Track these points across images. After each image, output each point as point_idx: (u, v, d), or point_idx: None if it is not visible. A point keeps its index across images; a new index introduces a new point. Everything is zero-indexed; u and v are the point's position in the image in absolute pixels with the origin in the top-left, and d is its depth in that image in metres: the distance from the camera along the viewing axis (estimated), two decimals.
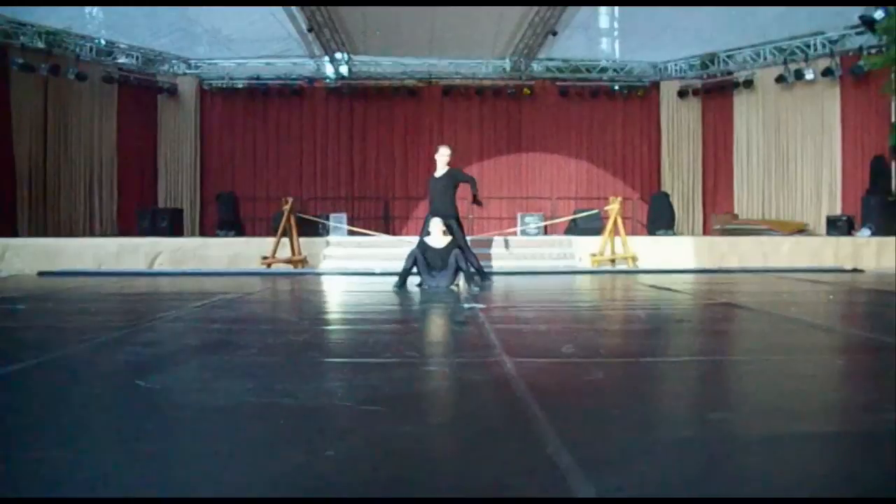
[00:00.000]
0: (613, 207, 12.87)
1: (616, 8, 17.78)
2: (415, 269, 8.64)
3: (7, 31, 15.99)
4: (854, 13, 15.24)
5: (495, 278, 10.09)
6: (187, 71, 19.71)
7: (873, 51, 15.61)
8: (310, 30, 17.21)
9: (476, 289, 8.49)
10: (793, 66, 17.41)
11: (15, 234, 15.27)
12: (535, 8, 16.76)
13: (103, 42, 18.09)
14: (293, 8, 16.51)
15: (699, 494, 1.94)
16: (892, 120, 15.28)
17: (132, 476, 2.09)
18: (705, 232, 18.92)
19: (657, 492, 1.94)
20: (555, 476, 2.04)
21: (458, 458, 2.25)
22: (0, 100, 16.05)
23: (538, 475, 2.08)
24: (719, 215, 18.36)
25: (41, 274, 11.31)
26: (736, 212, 18.66)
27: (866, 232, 14.19)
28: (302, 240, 13.14)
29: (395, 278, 8.75)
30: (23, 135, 16.45)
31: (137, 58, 18.87)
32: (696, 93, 19.70)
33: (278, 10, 16.66)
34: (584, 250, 13.53)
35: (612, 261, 12.94)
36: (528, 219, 17.49)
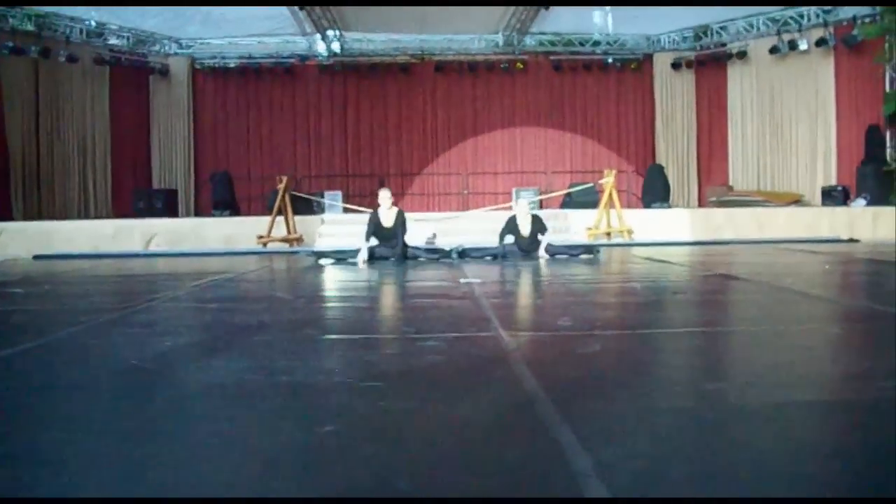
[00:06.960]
0: (608, 181, 12.86)
1: None
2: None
3: None
4: None
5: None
6: (179, 51, 19.57)
7: (867, 20, 15.54)
8: (300, 6, 17.09)
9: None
10: (786, 37, 17.31)
11: (9, 217, 15.22)
12: None
13: (94, 23, 17.91)
14: None
15: (696, 465, 1.96)
16: (886, 89, 15.25)
17: (127, 456, 2.09)
18: (700, 204, 18.89)
19: (655, 462, 1.95)
20: (552, 448, 2.05)
21: (455, 433, 2.26)
22: None
23: (536, 448, 2.09)
24: (714, 187, 18.33)
25: (37, 257, 11.29)
26: (731, 184, 18.63)
27: (861, 202, 14.19)
28: (297, 218, 13.12)
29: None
30: (15, 118, 16.36)
31: (128, 38, 18.71)
32: (689, 65, 19.59)
33: None
34: (579, 224, 13.51)
35: (608, 234, 12.95)
36: (523, 193, 17.44)
